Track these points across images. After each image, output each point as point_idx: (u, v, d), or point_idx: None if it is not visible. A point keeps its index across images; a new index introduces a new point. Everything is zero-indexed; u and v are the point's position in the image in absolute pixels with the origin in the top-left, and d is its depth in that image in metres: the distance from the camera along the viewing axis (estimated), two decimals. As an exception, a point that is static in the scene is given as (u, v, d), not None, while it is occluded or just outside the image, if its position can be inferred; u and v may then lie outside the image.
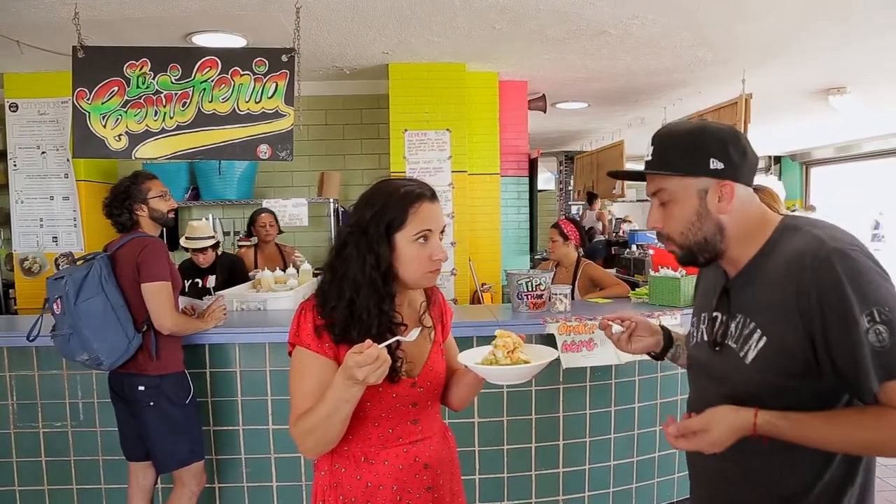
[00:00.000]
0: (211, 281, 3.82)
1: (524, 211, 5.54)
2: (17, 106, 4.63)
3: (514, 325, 2.89)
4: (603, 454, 3.03)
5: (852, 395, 1.11)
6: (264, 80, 3.40)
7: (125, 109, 3.38)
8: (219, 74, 3.38)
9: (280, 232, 4.53)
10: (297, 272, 3.70)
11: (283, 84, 3.40)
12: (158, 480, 2.69)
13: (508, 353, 1.33)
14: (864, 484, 1.18)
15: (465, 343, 1.55)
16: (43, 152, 4.64)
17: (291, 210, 4.74)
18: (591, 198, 8.38)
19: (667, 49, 4.38)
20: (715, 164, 1.18)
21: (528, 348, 1.39)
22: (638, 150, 8.74)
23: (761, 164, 10.66)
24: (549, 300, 3.05)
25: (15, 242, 4.71)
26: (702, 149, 1.19)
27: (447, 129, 4.78)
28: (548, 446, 2.98)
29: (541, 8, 3.59)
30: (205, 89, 3.38)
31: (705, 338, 1.30)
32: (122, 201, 2.52)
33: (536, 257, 6.47)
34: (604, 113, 6.91)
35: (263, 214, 4.40)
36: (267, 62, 3.39)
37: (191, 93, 3.38)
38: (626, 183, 7.02)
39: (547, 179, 6.55)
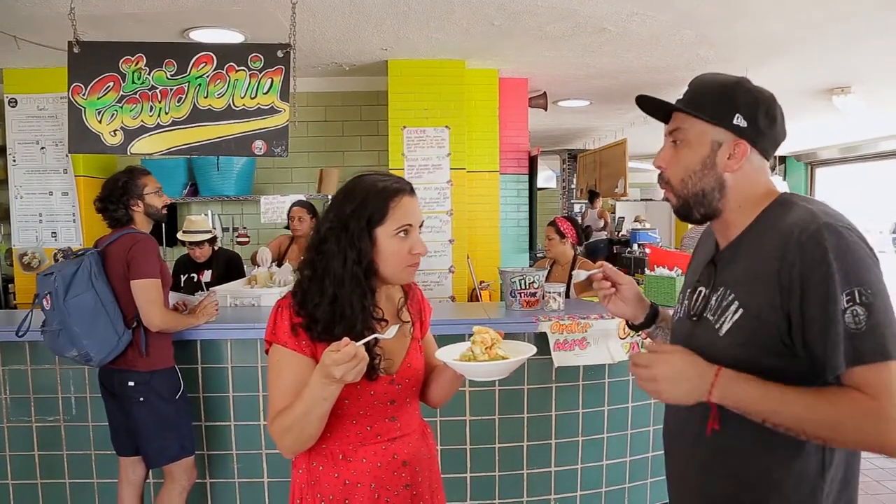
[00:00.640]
0: (207, 276, 3.83)
1: (524, 209, 5.52)
2: (16, 101, 4.65)
3: (506, 324, 2.88)
4: (596, 454, 3.01)
5: (819, 376, 1.05)
6: (259, 76, 3.39)
7: (120, 105, 3.38)
8: (214, 70, 3.38)
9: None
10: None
11: (279, 80, 3.40)
12: (150, 475, 2.70)
13: (486, 349, 1.32)
14: (843, 480, 1.14)
15: (457, 341, 1.52)
16: (42, 148, 4.66)
17: (289, 206, 4.73)
18: (592, 196, 8.34)
19: (668, 47, 4.35)
20: (739, 121, 1.15)
21: (507, 345, 1.38)
22: (640, 149, 8.72)
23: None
24: (543, 298, 3.04)
25: (14, 238, 4.73)
26: (732, 101, 1.16)
27: (446, 127, 4.77)
28: (540, 445, 2.96)
29: (538, 4, 3.57)
30: (200, 85, 3.38)
31: (687, 311, 1.28)
32: (119, 196, 2.52)
33: (540, 256, 6.44)
34: (606, 111, 6.87)
35: (295, 207, 4.33)
36: (262, 58, 3.39)
37: (186, 88, 3.38)
38: (629, 182, 6.98)
39: (548, 178, 6.52)
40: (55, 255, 4.58)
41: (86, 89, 3.37)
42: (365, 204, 1.32)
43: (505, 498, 2.96)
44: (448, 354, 1.36)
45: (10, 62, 4.50)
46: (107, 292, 2.37)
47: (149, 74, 3.37)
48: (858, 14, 3.66)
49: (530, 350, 1.34)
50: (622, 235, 8.17)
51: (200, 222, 3.81)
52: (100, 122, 3.39)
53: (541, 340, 2.86)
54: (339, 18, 3.78)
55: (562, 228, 3.76)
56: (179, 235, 3.90)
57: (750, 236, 1.17)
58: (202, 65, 3.38)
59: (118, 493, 2.60)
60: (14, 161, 4.67)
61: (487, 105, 5.06)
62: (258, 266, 3.59)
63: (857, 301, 0.99)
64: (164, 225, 4.80)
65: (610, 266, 1.49)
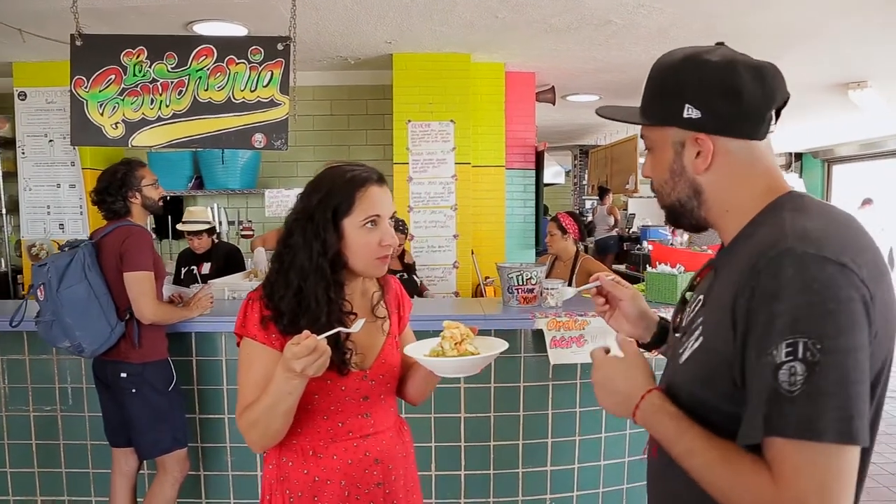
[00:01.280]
0: (206, 268, 3.84)
1: (530, 204, 5.47)
2: (25, 94, 4.69)
3: (502, 320, 2.85)
4: (593, 453, 2.97)
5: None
6: (260, 69, 3.38)
7: (122, 97, 3.38)
8: (214, 63, 3.37)
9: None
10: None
11: (279, 73, 3.38)
12: (144, 466, 2.71)
13: (455, 344, 1.29)
14: None
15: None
16: (50, 140, 4.70)
17: (294, 200, 4.73)
18: (602, 192, 8.26)
19: (676, 40, 4.27)
20: (690, 112, 0.94)
21: (480, 340, 1.34)
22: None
23: (781, 161, 10.42)
24: (541, 295, 3.00)
25: (23, 229, 4.78)
26: (676, 91, 0.95)
27: (451, 121, 4.73)
28: (536, 444, 2.92)
29: (542, -4, 3.53)
30: (200, 78, 3.37)
31: (674, 321, 1.13)
32: (118, 188, 2.53)
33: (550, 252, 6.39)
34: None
35: None
36: (262, 50, 3.38)
37: (186, 81, 3.38)
38: (640, 178, 6.89)
39: (556, 173, 6.45)
40: (62, 247, 4.63)
41: (88, 82, 3.38)
42: (331, 194, 1.30)
43: (500, 497, 2.93)
44: (418, 350, 1.34)
45: (19, 56, 4.54)
46: (100, 284, 2.38)
47: (150, 67, 3.37)
48: (873, 5, 3.57)
49: (502, 346, 1.31)
50: (633, 232, 8.08)
51: (199, 212, 3.83)
52: (101, 114, 3.40)
53: (537, 337, 2.83)
54: (341, 11, 3.75)
55: (564, 224, 3.72)
56: (179, 226, 3.92)
57: (738, 247, 0.96)
58: (202, 58, 3.37)
59: (111, 483, 2.61)
60: (23, 154, 4.72)
61: (493, 99, 5.02)
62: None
63: (799, 356, 0.78)
64: (170, 218, 4.83)
65: (608, 280, 1.31)
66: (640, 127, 1.06)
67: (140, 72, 3.38)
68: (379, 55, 4.70)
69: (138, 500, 2.64)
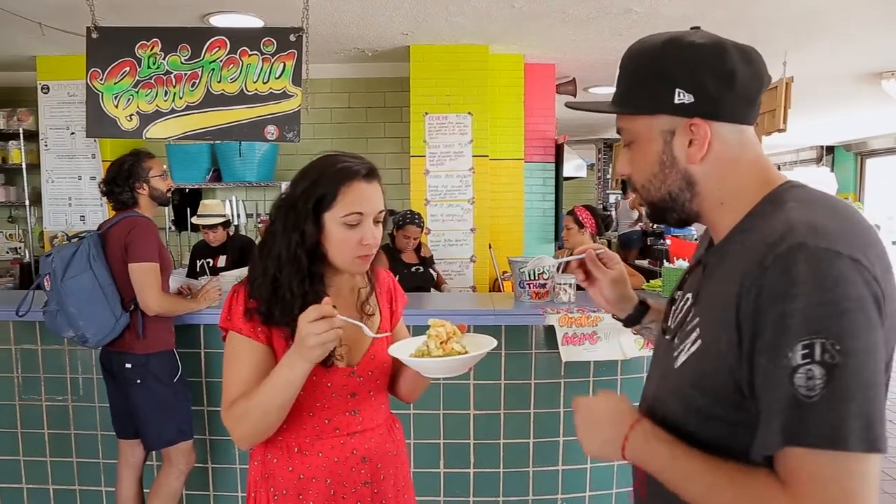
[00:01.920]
0: (222, 261, 3.84)
1: (550, 198, 5.38)
2: (48, 88, 4.75)
3: (513, 315, 2.79)
4: (606, 452, 2.89)
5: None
6: (272, 61, 3.35)
7: (136, 89, 3.39)
8: (227, 55, 3.36)
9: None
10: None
11: (291, 64, 3.35)
12: (153, 458, 2.71)
13: (441, 343, 1.23)
14: None
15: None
16: (72, 133, 4.76)
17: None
18: (625, 186, 8.11)
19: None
20: (681, 97, 0.87)
21: (469, 338, 1.28)
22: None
23: (811, 155, 10.11)
24: (553, 290, 2.93)
25: (46, 220, 4.86)
26: (664, 76, 0.88)
27: (469, 113, 4.67)
28: (547, 442, 2.86)
29: (558, -16, 3.44)
30: (213, 69, 3.36)
31: (665, 323, 1.04)
32: (125, 179, 2.52)
33: (566, 247, 6.30)
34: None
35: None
36: (275, 42, 3.35)
37: (200, 73, 3.37)
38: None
39: (577, 166, 6.33)
40: (70, 237, 4.70)
41: (103, 74, 3.40)
42: (316, 184, 1.25)
43: (509, 495, 2.88)
44: (404, 349, 1.28)
45: (43, 50, 4.60)
46: (105, 274, 2.38)
47: (164, 59, 3.37)
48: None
49: (490, 344, 1.24)
50: (656, 227, 7.91)
51: (214, 206, 3.83)
52: (116, 106, 3.41)
53: (548, 334, 2.76)
54: (356, 1, 3.72)
55: (580, 218, 3.63)
56: (194, 219, 3.93)
57: (734, 242, 0.89)
58: (216, 49, 3.36)
59: (118, 474, 2.62)
60: (46, 146, 4.79)
61: (512, 91, 4.94)
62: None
63: (817, 358, 0.71)
64: (188, 210, 4.86)
65: (593, 254, 1.24)
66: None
67: (154, 64, 3.38)
68: (396, 47, 4.66)
69: (145, 491, 2.64)
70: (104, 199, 2.60)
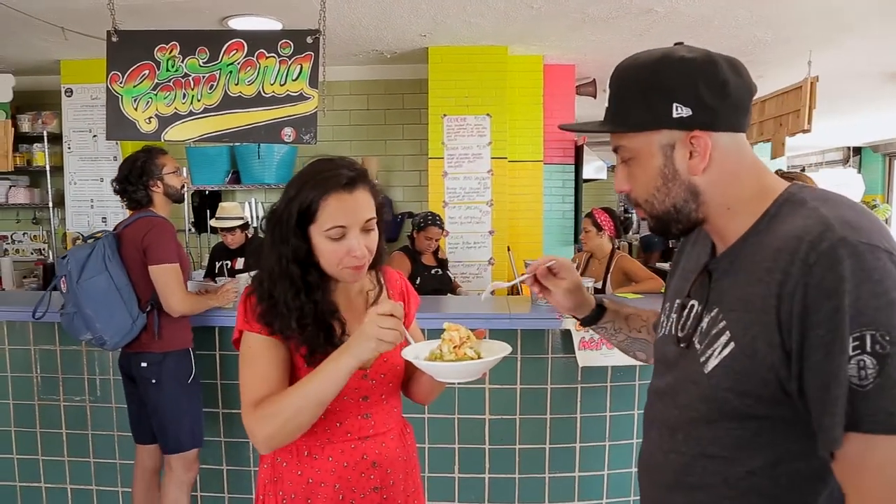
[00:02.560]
0: (240, 263, 3.86)
1: (569, 200, 5.33)
2: (71, 91, 4.82)
3: (529, 319, 2.75)
4: (624, 460, 2.84)
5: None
6: (289, 63, 3.36)
7: (155, 92, 3.41)
8: (245, 57, 3.37)
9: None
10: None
11: (308, 66, 3.35)
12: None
13: (454, 347, 1.20)
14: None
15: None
16: (94, 136, 4.82)
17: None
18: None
19: (721, 29, 4.06)
20: (680, 112, 0.89)
21: (484, 343, 1.25)
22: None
23: (838, 156, 9.89)
24: (571, 294, 2.88)
25: (69, 222, 4.93)
26: (661, 91, 0.90)
27: (487, 115, 4.64)
28: (563, 448, 2.82)
29: (577, -16, 3.40)
30: (231, 72, 3.37)
31: (673, 329, 1.04)
32: (138, 177, 2.52)
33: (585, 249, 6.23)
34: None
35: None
36: (292, 44, 3.35)
37: (218, 75, 3.38)
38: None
39: (598, 168, 6.26)
40: (86, 238, 4.75)
41: (123, 77, 3.43)
42: (299, 197, 1.21)
43: (525, 501, 2.83)
44: (419, 352, 1.25)
45: (67, 54, 4.67)
46: (121, 275, 2.38)
47: (182, 62, 3.39)
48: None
49: (504, 350, 1.21)
50: (678, 230, 7.81)
51: (231, 209, 3.85)
52: (135, 109, 3.44)
53: (565, 338, 2.72)
54: (373, 3, 3.71)
55: (599, 220, 3.58)
56: (212, 222, 3.95)
57: (751, 243, 0.91)
58: (233, 52, 3.37)
59: (133, 479, 2.62)
60: (69, 148, 4.86)
61: (531, 92, 4.90)
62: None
63: (867, 349, 0.75)
64: (207, 211, 4.89)
65: (544, 269, 1.25)
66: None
67: (173, 67, 3.40)
68: (414, 49, 4.64)
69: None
70: (118, 197, 2.60)
